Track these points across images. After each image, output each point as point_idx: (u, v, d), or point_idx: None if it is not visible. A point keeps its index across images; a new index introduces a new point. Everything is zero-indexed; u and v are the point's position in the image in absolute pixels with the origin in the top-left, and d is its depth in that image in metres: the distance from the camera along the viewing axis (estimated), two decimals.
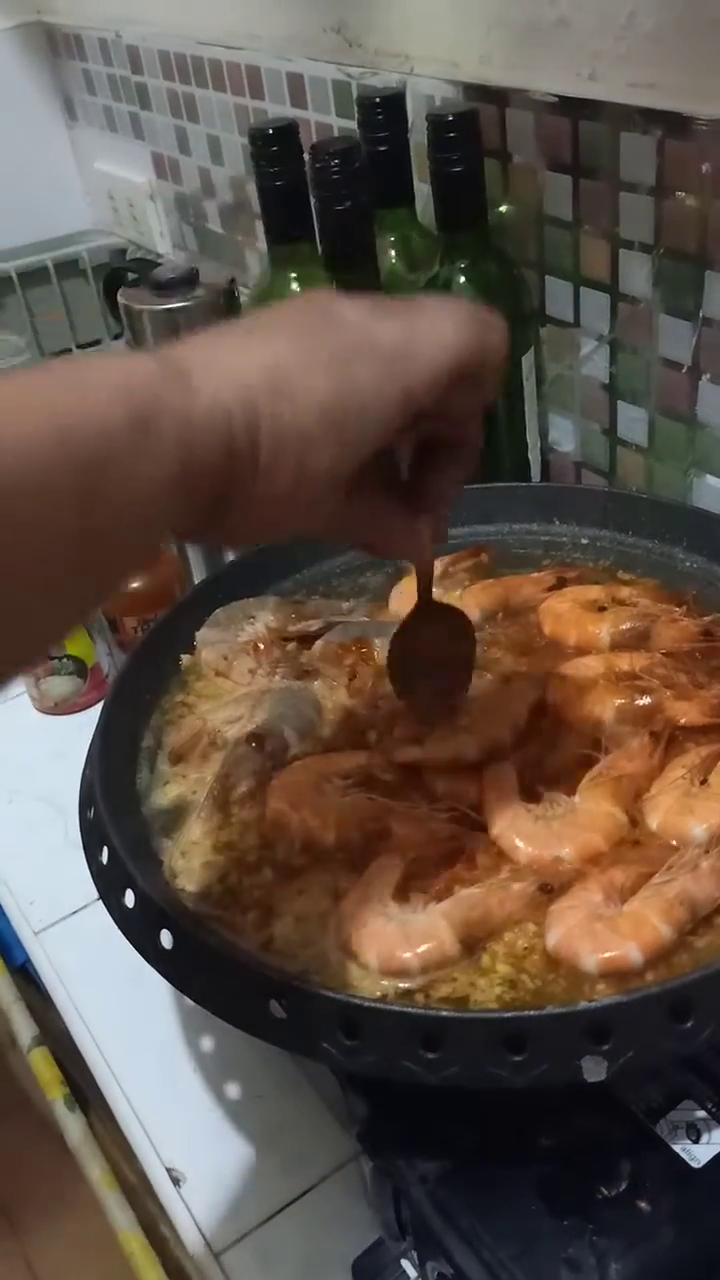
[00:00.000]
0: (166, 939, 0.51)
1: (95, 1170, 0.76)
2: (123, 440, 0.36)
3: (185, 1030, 0.68)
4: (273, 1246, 0.58)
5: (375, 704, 0.65)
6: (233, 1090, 0.65)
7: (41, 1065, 0.82)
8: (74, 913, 0.77)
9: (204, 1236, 0.59)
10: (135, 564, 0.41)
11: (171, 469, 0.38)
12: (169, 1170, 0.62)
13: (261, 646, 0.70)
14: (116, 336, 1.52)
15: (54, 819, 0.83)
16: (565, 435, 0.95)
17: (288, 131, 0.88)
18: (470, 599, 0.73)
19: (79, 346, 1.60)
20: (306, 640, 0.71)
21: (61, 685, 0.94)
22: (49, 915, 0.78)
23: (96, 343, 1.59)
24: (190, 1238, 0.59)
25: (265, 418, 0.40)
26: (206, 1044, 0.67)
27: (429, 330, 0.45)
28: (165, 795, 0.62)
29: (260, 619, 0.72)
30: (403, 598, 0.74)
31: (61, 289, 1.58)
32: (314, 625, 0.72)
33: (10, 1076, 1.22)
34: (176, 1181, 0.62)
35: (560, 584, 0.73)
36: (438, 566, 0.76)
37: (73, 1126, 0.78)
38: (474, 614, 0.72)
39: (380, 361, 0.43)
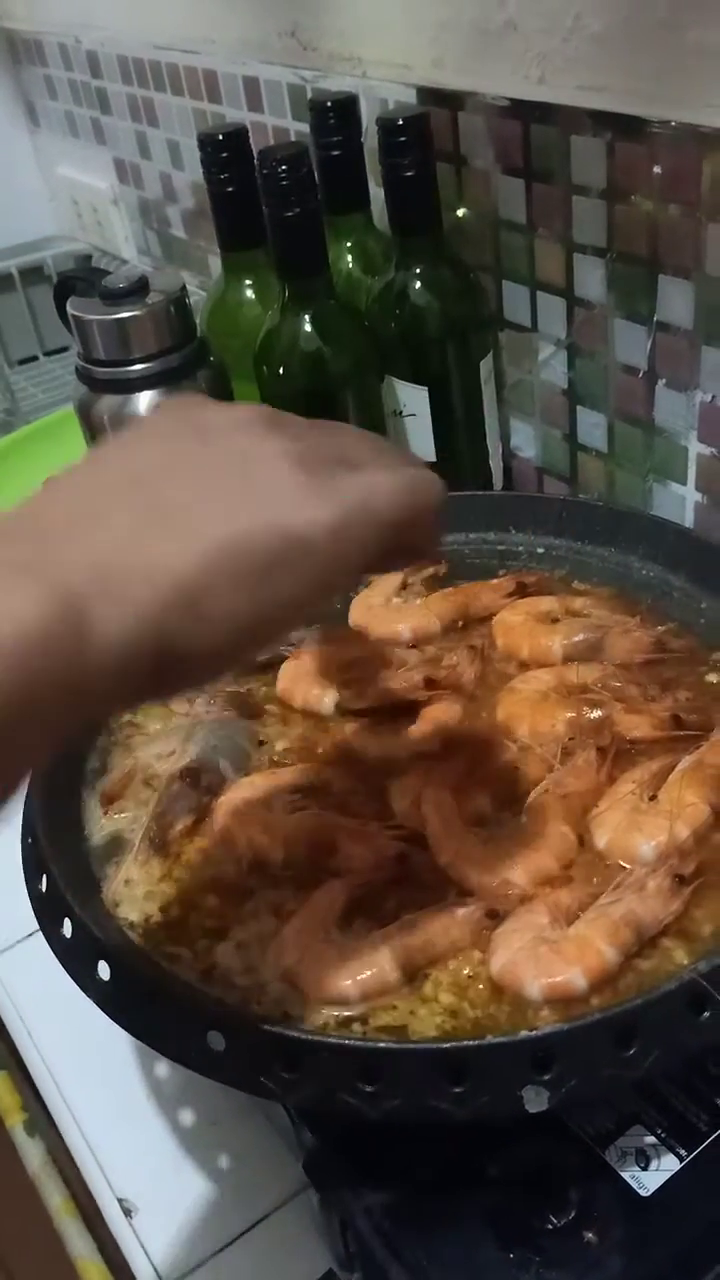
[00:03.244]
0: (104, 970, 0.50)
1: (55, 1197, 0.75)
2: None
3: (139, 1057, 0.67)
4: (225, 1278, 0.57)
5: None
6: (186, 1118, 0.64)
7: (1, 1090, 0.80)
8: (28, 936, 0.76)
9: (155, 1268, 0.58)
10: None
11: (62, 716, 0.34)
12: (120, 1201, 0.61)
13: None
14: None
15: (8, 839, 0.81)
16: (526, 441, 0.95)
17: (237, 136, 0.87)
18: (429, 608, 0.72)
19: (45, 354, 1.59)
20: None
21: None
22: (3, 939, 0.76)
23: (64, 349, 1.57)
24: (141, 1269, 0.58)
25: (178, 639, 0.35)
26: (161, 1071, 0.66)
27: (361, 512, 0.39)
28: (104, 829, 0.60)
29: None
30: (362, 610, 0.73)
31: (26, 296, 1.56)
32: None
33: None
34: (128, 1212, 0.60)
35: (520, 589, 0.72)
36: (395, 578, 0.75)
37: (32, 1152, 0.77)
38: (433, 624, 0.71)
39: (309, 566, 0.38)
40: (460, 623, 0.71)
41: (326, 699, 0.65)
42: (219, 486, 0.38)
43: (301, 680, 0.67)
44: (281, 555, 0.37)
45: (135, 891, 0.56)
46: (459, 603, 0.72)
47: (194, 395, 0.43)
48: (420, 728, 0.63)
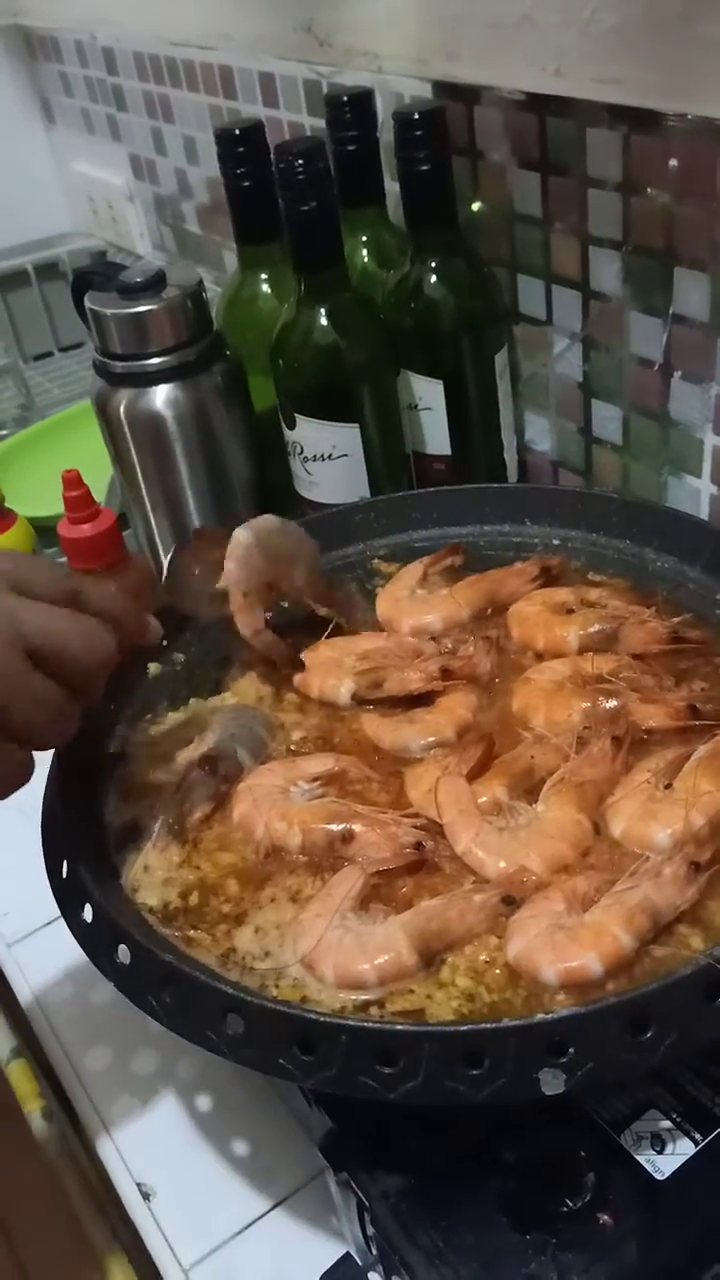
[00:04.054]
0: (124, 954, 0.51)
1: (72, 1182, 0.75)
2: None
3: (157, 1042, 0.67)
4: (242, 1261, 0.57)
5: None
6: (204, 1103, 0.64)
7: (19, 1077, 0.81)
8: (47, 924, 0.76)
9: (173, 1252, 0.58)
10: None
11: None
12: (139, 1185, 0.61)
13: None
14: None
15: (26, 828, 0.82)
16: (541, 434, 0.95)
17: (254, 131, 0.87)
18: (458, 597, 0.72)
19: (61, 350, 1.59)
20: None
21: None
22: (23, 926, 0.77)
23: (79, 345, 1.58)
24: (159, 1253, 0.59)
25: None
26: (178, 1055, 0.67)
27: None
28: (123, 816, 0.61)
29: None
30: (389, 602, 0.74)
31: (42, 292, 1.57)
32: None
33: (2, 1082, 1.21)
34: (146, 1196, 0.61)
35: (545, 573, 0.72)
36: (416, 570, 0.75)
37: (50, 1139, 0.77)
38: (463, 612, 0.71)
39: None
40: (489, 610, 0.72)
41: (343, 689, 0.66)
42: None
43: (318, 670, 0.67)
44: None
45: (154, 877, 0.56)
46: (486, 590, 0.72)
47: None
48: (436, 717, 0.63)
